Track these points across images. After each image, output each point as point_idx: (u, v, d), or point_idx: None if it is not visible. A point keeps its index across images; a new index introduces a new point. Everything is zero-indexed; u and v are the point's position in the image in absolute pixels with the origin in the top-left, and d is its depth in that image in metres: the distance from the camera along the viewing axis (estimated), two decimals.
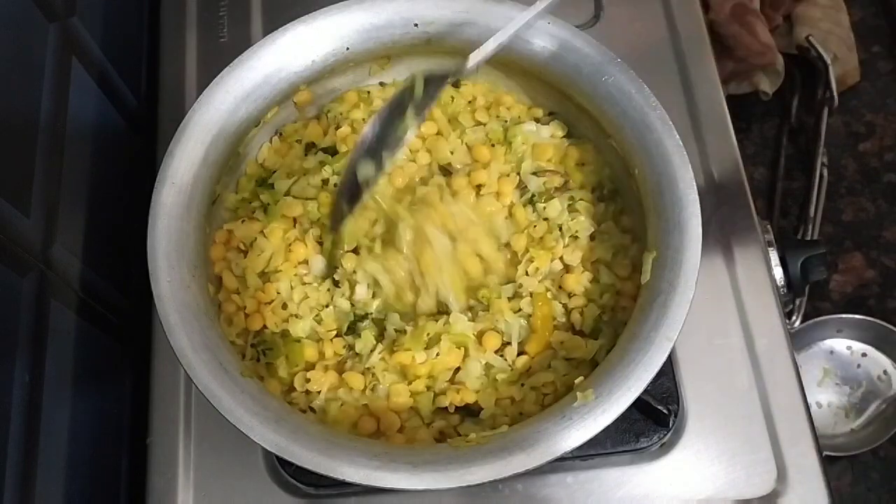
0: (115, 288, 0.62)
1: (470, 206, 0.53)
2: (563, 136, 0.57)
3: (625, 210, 0.55)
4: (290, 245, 0.53)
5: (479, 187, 0.54)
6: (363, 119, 0.57)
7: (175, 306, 0.45)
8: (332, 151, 0.56)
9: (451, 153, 0.56)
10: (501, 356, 0.50)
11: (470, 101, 0.58)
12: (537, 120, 0.57)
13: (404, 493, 0.42)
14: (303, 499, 0.54)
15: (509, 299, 0.51)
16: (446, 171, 0.55)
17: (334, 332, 0.51)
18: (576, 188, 0.55)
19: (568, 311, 0.52)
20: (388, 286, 0.51)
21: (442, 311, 0.52)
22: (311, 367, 0.50)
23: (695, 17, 0.69)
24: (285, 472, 0.54)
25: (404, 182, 0.54)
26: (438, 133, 0.57)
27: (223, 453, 0.55)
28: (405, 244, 0.51)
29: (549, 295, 0.52)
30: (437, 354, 0.50)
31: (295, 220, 0.54)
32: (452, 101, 0.58)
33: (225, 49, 0.67)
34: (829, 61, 1.15)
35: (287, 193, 0.55)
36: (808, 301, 1.11)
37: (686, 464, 0.54)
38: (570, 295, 0.52)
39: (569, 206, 0.54)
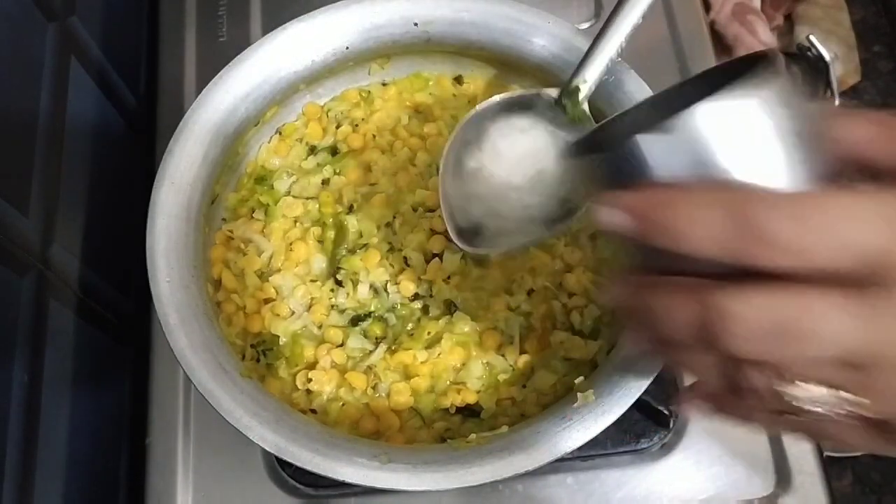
0: (115, 288, 0.62)
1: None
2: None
3: None
4: (290, 244, 0.53)
5: None
6: (363, 118, 0.57)
7: (174, 306, 0.45)
8: (332, 151, 0.56)
9: None
10: (502, 356, 0.50)
11: (470, 101, 0.58)
12: None
13: (404, 493, 0.42)
14: (302, 499, 0.54)
15: (507, 296, 0.51)
16: None
17: (335, 332, 0.51)
18: None
19: (567, 311, 0.52)
20: (394, 294, 0.51)
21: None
22: (311, 367, 0.50)
23: (695, 16, 0.68)
24: (285, 472, 0.54)
25: (406, 183, 0.54)
26: (439, 133, 0.56)
27: (223, 453, 0.55)
28: (412, 253, 0.51)
29: (548, 293, 0.52)
30: (439, 354, 0.50)
31: (295, 219, 0.54)
32: (454, 97, 0.58)
33: (224, 49, 0.67)
34: (829, 61, 1.15)
35: (287, 193, 0.55)
36: None
37: (687, 464, 0.54)
38: (570, 294, 0.52)
39: None
